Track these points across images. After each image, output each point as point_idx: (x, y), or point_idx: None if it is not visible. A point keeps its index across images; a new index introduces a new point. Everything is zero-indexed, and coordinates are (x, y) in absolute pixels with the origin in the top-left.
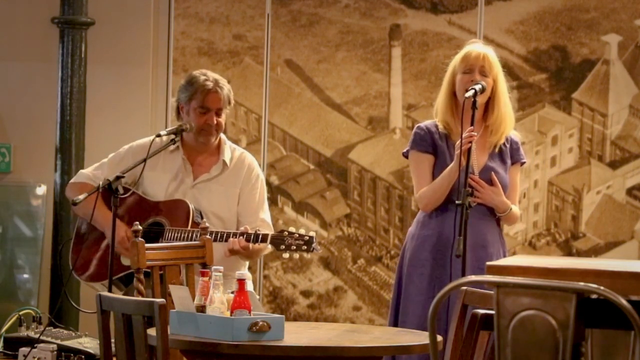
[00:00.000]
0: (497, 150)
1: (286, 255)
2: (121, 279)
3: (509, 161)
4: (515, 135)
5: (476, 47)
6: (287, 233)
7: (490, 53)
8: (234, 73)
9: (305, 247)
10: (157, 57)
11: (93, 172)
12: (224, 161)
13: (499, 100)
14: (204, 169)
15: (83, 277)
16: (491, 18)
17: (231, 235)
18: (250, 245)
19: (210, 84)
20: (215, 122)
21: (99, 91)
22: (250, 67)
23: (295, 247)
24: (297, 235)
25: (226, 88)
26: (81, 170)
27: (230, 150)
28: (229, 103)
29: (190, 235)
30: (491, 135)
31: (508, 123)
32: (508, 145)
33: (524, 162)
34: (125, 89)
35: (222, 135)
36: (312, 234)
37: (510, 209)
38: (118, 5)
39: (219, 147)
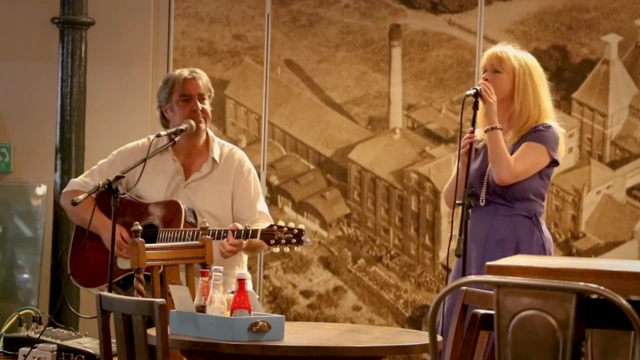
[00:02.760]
0: (517, 146)
1: (276, 249)
2: (119, 283)
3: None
4: (545, 124)
5: (492, 48)
6: (276, 227)
7: (502, 50)
8: (234, 73)
9: (295, 241)
10: (157, 57)
11: (84, 179)
12: (213, 159)
13: (518, 93)
14: (195, 168)
15: (81, 284)
16: (491, 18)
17: (222, 233)
18: (244, 242)
19: (185, 72)
20: (200, 107)
21: (99, 91)
22: (250, 67)
23: (285, 241)
24: (287, 229)
25: (204, 76)
26: (72, 179)
27: (219, 147)
28: (210, 91)
29: (183, 235)
30: (514, 127)
31: (532, 115)
32: (529, 135)
33: (542, 145)
34: (125, 89)
35: (210, 133)
36: (301, 226)
37: (495, 128)
38: (118, 5)
39: (207, 145)
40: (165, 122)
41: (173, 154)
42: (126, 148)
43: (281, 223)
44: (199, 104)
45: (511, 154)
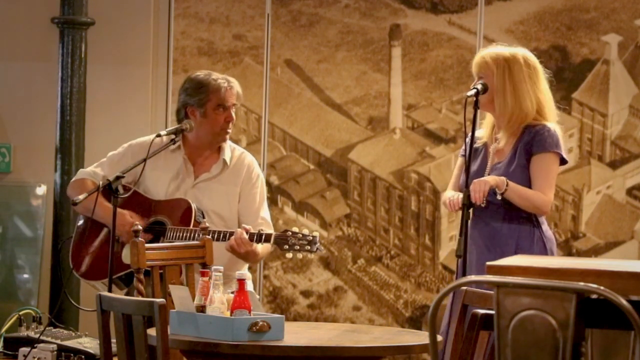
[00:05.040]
0: (516, 146)
1: (289, 255)
2: (121, 279)
3: (524, 156)
4: (544, 126)
5: (477, 53)
6: (290, 233)
7: (482, 55)
8: (234, 73)
9: (309, 247)
10: (157, 57)
11: (93, 169)
12: (224, 160)
13: (497, 95)
14: (205, 168)
15: (83, 275)
16: (491, 18)
17: (227, 235)
18: (254, 245)
19: (224, 82)
20: (234, 117)
21: (99, 91)
22: (250, 67)
23: (298, 247)
24: (301, 235)
25: (237, 84)
26: (81, 169)
27: (230, 150)
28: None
29: (192, 234)
30: (500, 131)
31: (515, 114)
32: (529, 138)
33: (549, 152)
34: (125, 89)
35: None
36: (315, 234)
37: (507, 184)
38: (118, 5)
39: (219, 147)
40: (186, 119)
41: (184, 153)
42: (137, 142)
43: (295, 229)
44: (232, 113)
45: (512, 157)
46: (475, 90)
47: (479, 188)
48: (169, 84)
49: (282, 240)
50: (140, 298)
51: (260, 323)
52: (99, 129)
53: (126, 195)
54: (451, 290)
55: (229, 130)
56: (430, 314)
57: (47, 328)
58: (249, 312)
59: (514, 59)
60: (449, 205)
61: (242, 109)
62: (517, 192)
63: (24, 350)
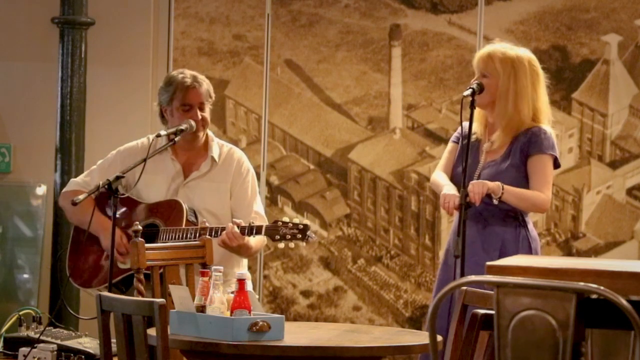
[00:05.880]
0: (511, 146)
1: (281, 245)
2: (118, 287)
3: (518, 156)
4: (540, 128)
5: (484, 47)
6: (281, 223)
7: (489, 53)
8: (234, 73)
9: (300, 236)
10: (157, 57)
11: (83, 179)
12: (212, 157)
13: (500, 99)
14: (194, 167)
15: (80, 285)
16: (491, 18)
17: (220, 231)
18: (246, 238)
19: (188, 80)
20: (200, 117)
21: (99, 91)
22: (250, 67)
23: (290, 237)
24: (292, 225)
25: (205, 83)
26: (72, 179)
27: (219, 147)
28: (210, 97)
29: (185, 233)
30: (497, 132)
31: (513, 119)
32: (525, 139)
33: (545, 154)
34: (125, 89)
35: (210, 132)
36: (306, 222)
37: (502, 188)
38: (118, 5)
39: (206, 144)
40: (164, 121)
41: (172, 154)
42: (126, 148)
43: (286, 219)
44: (199, 113)
45: (506, 156)
46: (471, 90)
47: (478, 190)
48: None
49: (274, 231)
50: (140, 298)
51: (260, 323)
52: (99, 129)
53: (125, 195)
54: (451, 290)
55: (200, 130)
56: (430, 314)
57: (47, 328)
58: (249, 312)
59: (520, 63)
60: (444, 206)
61: (242, 109)
62: (514, 194)
63: (24, 350)
